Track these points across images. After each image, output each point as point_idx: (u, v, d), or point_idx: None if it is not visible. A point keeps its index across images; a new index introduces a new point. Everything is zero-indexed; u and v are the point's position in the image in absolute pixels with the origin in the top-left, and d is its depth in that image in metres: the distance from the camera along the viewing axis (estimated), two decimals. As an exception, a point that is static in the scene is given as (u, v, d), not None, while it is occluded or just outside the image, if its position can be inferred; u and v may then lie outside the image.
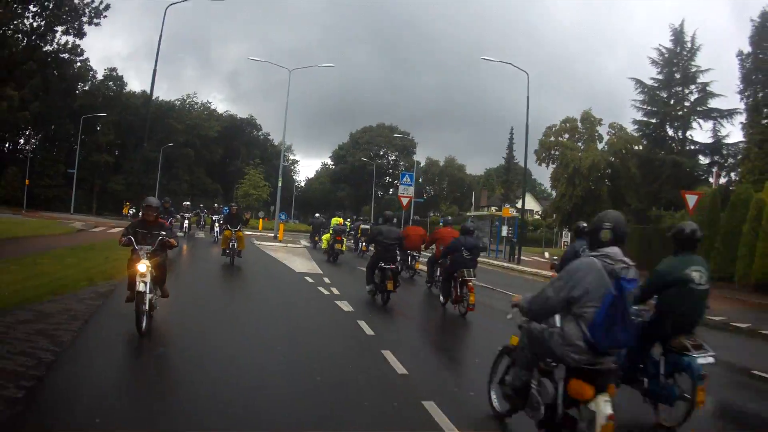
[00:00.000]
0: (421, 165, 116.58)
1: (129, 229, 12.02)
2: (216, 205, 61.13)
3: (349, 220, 47.08)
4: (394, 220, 19.01)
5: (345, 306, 16.11)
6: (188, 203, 49.51)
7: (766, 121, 53.52)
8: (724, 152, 56.57)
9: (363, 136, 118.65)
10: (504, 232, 52.88)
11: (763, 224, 29.60)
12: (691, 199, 29.00)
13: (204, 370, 9.30)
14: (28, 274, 17.67)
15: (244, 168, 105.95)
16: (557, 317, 6.85)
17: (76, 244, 31.06)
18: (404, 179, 45.04)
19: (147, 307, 11.16)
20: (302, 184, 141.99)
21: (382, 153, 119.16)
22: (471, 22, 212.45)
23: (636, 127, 59.57)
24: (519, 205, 63.85)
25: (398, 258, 17.97)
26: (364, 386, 9.22)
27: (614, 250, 6.34)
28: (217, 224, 39.09)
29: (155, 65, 41.98)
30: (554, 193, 66.34)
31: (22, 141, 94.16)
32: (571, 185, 56.03)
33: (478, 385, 8.58)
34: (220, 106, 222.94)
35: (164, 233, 11.86)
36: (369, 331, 13.04)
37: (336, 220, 35.08)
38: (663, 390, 8.31)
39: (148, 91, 48.88)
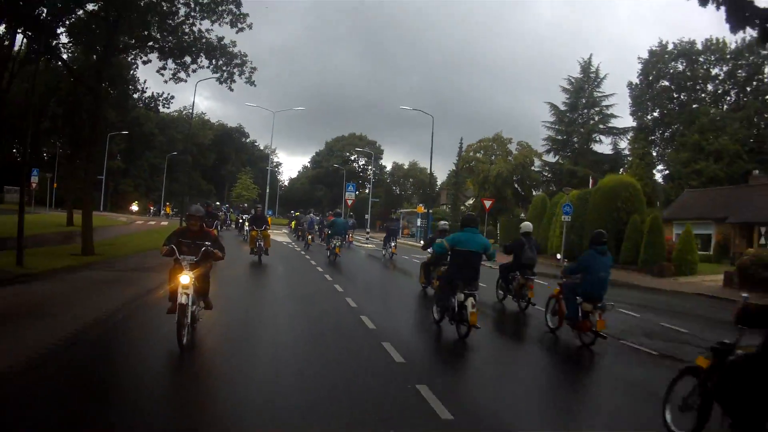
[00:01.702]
0: (387, 169, 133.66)
1: (172, 238, 11.48)
2: (243, 205, 66.49)
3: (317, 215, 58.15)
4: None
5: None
6: (218, 203, 56.99)
7: (651, 137, 72.10)
8: (624, 162, 74.08)
9: (336, 144, 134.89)
10: (418, 223, 70.92)
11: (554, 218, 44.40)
12: (488, 203, 47.81)
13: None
14: (139, 243, 31.22)
15: (237, 174, 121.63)
16: None
17: (137, 231, 44.82)
18: (348, 188, 64.94)
19: (189, 320, 10.75)
20: (286, 183, 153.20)
21: (352, 159, 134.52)
22: (454, 24, 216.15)
23: (545, 143, 78.10)
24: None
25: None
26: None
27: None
28: (246, 224, 39.24)
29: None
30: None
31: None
32: (482, 190, 73.78)
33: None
34: (205, 104, 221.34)
35: (209, 243, 11.32)
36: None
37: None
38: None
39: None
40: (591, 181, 65.32)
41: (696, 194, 57.24)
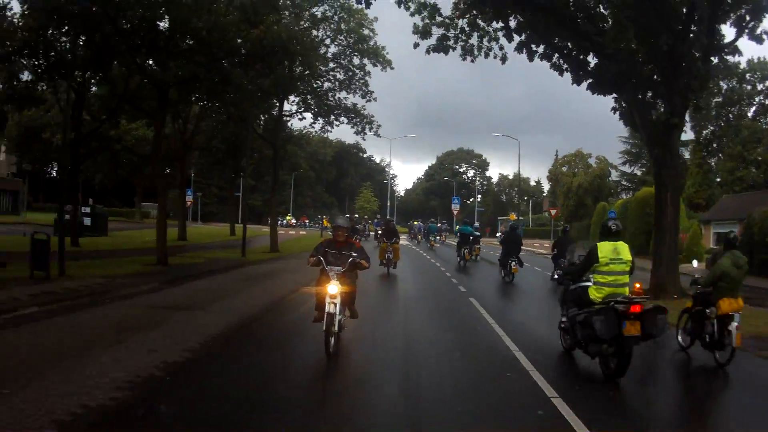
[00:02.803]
0: (493, 180, 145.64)
1: (319, 248, 11.77)
2: (365, 217, 72.05)
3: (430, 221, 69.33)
4: None
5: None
6: (356, 216, 62.35)
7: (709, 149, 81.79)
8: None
9: (446, 158, 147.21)
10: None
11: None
12: (553, 211, 58.91)
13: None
14: (303, 245, 40.65)
15: (357, 188, 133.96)
16: None
17: (293, 237, 56.42)
18: (454, 201, 78.29)
19: (336, 328, 10.96)
20: (401, 194, 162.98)
21: (461, 171, 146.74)
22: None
23: (621, 155, 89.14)
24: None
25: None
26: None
27: None
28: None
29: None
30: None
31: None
32: (567, 199, 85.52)
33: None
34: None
35: (355, 254, 11.53)
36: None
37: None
38: None
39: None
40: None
41: (732, 198, 63.71)
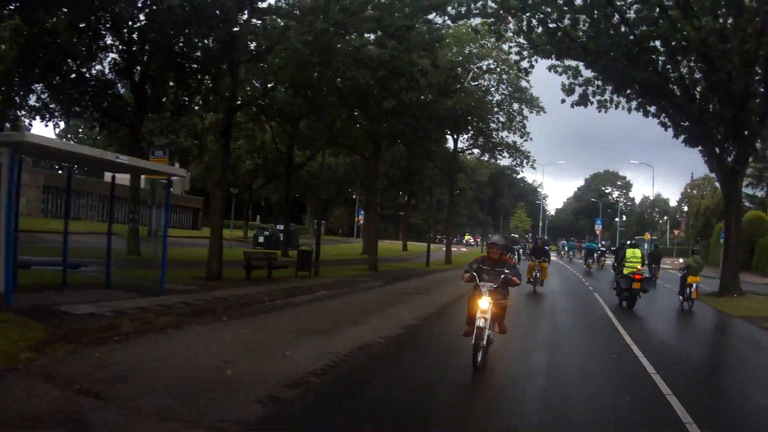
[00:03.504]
0: (636, 201, 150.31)
1: (473, 265, 11.98)
2: (513, 236, 74.62)
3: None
4: None
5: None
6: (515, 235, 67.02)
7: None
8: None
9: (594, 179, 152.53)
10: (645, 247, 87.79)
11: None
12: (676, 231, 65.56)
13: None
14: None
15: (511, 208, 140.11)
16: None
17: (465, 252, 66.07)
18: (597, 222, 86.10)
19: (485, 342, 11.02)
20: (552, 213, 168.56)
21: (607, 192, 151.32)
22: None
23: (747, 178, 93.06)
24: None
25: None
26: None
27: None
28: (520, 252, 42.67)
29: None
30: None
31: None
32: (695, 220, 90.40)
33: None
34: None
35: (507, 271, 11.58)
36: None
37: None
38: None
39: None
40: None
41: None
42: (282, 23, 21.85)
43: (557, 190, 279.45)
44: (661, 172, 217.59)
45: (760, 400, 10.40)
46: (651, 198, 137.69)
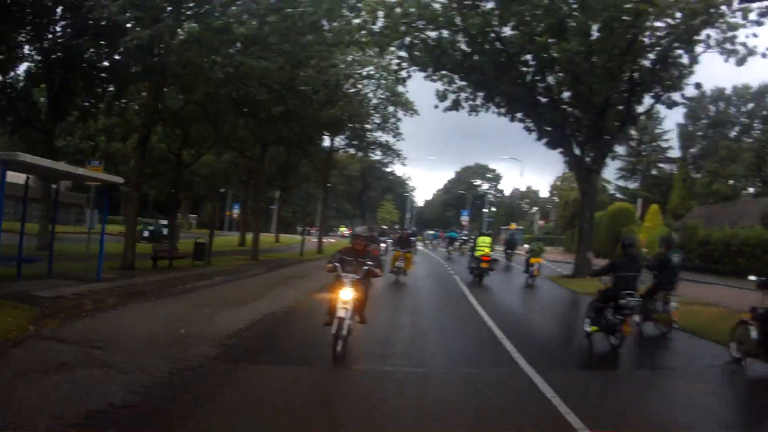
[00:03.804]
0: (506, 193, 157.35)
1: (336, 255, 12.28)
2: (383, 227, 74.95)
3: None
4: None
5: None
6: (385, 227, 71.89)
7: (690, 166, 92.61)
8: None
9: (464, 173, 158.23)
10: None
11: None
12: (542, 222, 71.42)
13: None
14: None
15: (379, 200, 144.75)
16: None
17: (334, 243, 65.53)
18: (462, 213, 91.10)
19: (345, 332, 11.27)
20: (421, 204, 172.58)
21: (477, 184, 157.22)
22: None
23: (617, 171, 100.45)
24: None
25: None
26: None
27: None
28: (382, 246, 40.69)
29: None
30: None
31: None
32: (565, 210, 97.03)
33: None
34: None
35: (370, 263, 11.97)
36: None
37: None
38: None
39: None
40: (639, 202, 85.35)
41: (702, 209, 71.80)
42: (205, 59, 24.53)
43: (428, 182, 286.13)
44: (534, 165, 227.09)
45: (559, 334, 17.61)
46: (521, 190, 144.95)
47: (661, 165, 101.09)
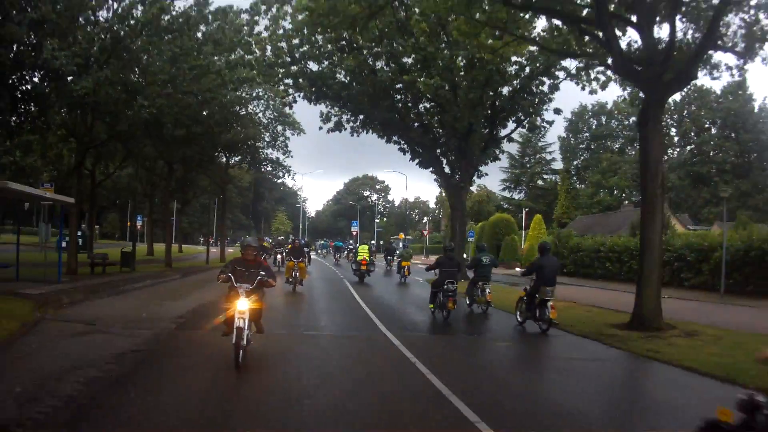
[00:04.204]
0: (396, 204, 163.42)
1: (228, 266, 12.49)
2: (279, 237, 74.84)
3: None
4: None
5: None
6: (281, 238, 71.26)
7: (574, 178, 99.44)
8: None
9: (353, 184, 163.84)
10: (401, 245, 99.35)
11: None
12: (425, 232, 77.86)
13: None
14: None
15: (273, 213, 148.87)
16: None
17: (236, 252, 72.17)
18: (353, 224, 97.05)
19: (245, 342, 11.48)
20: (312, 215, 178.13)
21: (366, 195, 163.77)
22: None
23: (501, 183, 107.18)
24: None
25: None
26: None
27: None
28: (279, 256, 42.05)
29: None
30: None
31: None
32: (452, 221, 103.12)
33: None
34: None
35: (263, 273, 12.13)
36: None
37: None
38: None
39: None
40: (524, 212, 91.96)
41: (585, 218, 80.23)
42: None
43: (319, 191, 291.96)
44: (422, 175, 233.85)
45: (413, 313, 22.41)
46: (410, 200, 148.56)
47: (545, 176, 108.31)
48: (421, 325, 19.59)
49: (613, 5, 21.20)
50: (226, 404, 9.39)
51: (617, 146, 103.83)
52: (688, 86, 23.31)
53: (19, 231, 26.88)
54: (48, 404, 8.58)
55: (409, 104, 42.10)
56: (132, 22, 27.57)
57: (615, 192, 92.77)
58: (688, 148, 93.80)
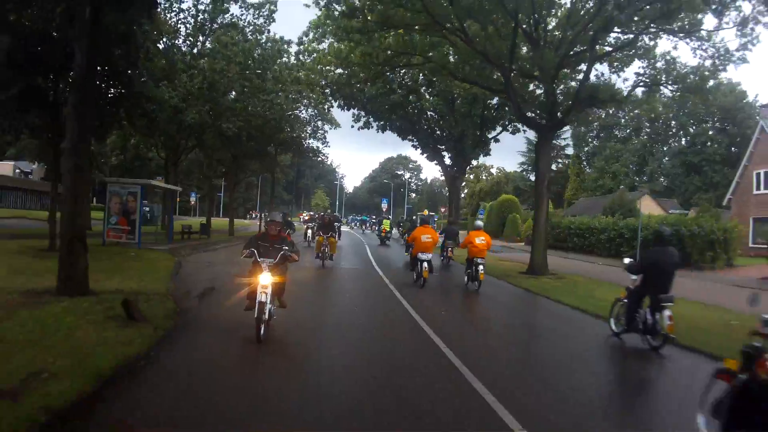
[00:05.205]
0: (428, 182, 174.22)
1: (252, 241, 12.54)
2: (310, 213, 77.86)
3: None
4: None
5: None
6: (330, 210, 78.66)
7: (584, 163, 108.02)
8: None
9: (387, 163, 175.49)
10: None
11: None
12: (426, 211, 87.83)
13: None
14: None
15: (313, 189, 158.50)
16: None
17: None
18: (383, 201, 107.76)
19: (267, 316, 11.62)
20: (350, 191, 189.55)
21: (399, 173, 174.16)
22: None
23: (519, 165, 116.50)
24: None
25: None
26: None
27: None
28: (309, 231, 43.51)
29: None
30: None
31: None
32: (472, 199, 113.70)
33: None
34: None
35: (286, 248, 12.17)
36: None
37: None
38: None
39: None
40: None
41: (586, 200, 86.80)
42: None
43: (357, 165, 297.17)
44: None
45: (402, 273, 26.79)
46: (440, 179, 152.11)
47: (560, 160, 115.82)
48: (410, 282, 23.49)
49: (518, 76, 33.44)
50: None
51: (623, 135, 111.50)
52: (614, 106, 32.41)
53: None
54: (203, 287, 18.50)
55: (417, 115, 54.80)
56: (218, 69, 39.26)
57: (617, 177, 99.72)
58: (683, 141, 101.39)
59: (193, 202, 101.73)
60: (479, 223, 25.06)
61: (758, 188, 50.56)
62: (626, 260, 14.71)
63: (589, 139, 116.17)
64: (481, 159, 60.45)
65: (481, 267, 22.32)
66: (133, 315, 12.58)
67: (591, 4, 29.02)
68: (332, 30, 36.92)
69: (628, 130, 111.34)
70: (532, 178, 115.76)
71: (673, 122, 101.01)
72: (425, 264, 21.98)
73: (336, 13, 31.96)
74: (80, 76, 15.84)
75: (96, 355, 9.81)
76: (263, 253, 12.15)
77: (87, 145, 16.99)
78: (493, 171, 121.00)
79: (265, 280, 11.67)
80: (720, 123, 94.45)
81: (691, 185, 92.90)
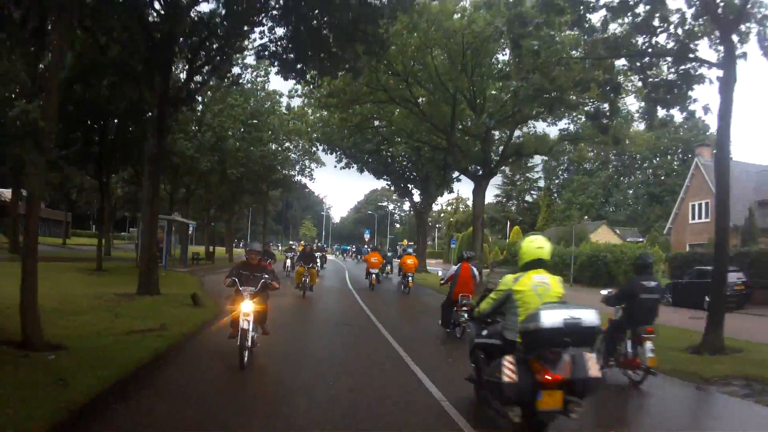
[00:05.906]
0: (410, 213, 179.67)
1: (233, 270, 12.93)
2: (291, 243, 76.96)
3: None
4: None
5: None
6: (319, 243, 79.66)
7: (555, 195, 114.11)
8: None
9: (372, 195, 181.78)
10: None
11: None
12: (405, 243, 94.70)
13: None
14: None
15: (300, 220, 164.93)
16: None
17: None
18: (366, 232, 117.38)
19: (249, 343, 11.79)
20: (337, 221, 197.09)
21: (383, 205, 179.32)
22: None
23: (494, 197, 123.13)
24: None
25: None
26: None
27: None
28: (289, 261, 42.35)
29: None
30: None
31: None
32: (448, 229, 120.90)
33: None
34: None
35: (266, 276, 12.55)
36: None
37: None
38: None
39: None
40: (509, 223, 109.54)
41: (554, 230, 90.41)
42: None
43: (343, 196, 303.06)
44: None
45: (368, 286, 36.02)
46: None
47: (533, 192, 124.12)
48: (369, 290, 34.22)
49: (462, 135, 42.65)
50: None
51: (591, 167, 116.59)
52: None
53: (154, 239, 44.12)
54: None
55: (389, 159, 63.75)
56: (227, 127, 47.80)
57: (583, 208, 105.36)
58: (649, 172, 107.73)
59: (190, 232, 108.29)
60: (410, 250, 38.26)
61: (693, 218, 58.14)
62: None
63: (560, 172, 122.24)
64: (462, 192, 69.23)
65: (410, 278, 33.48)
66: (197, 302, 21.11)
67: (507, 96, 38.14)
68: (314, 103, 47.25)
69: (596, 164, 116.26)
70: (513, 208, 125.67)
71: (638, 155, 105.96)
72: (373, 275, 35.61)
73: (317, 95, 41.79)
74: (153, 154, 24.56)
75: (187, 321, 17.46)
76: (244, 281, 12.58)
77: (158, 199, 25.84)
78: (469, 203, 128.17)
79: (247, 307, 12.06)
80: (683, 154, 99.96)
81: (652, 214, 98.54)
